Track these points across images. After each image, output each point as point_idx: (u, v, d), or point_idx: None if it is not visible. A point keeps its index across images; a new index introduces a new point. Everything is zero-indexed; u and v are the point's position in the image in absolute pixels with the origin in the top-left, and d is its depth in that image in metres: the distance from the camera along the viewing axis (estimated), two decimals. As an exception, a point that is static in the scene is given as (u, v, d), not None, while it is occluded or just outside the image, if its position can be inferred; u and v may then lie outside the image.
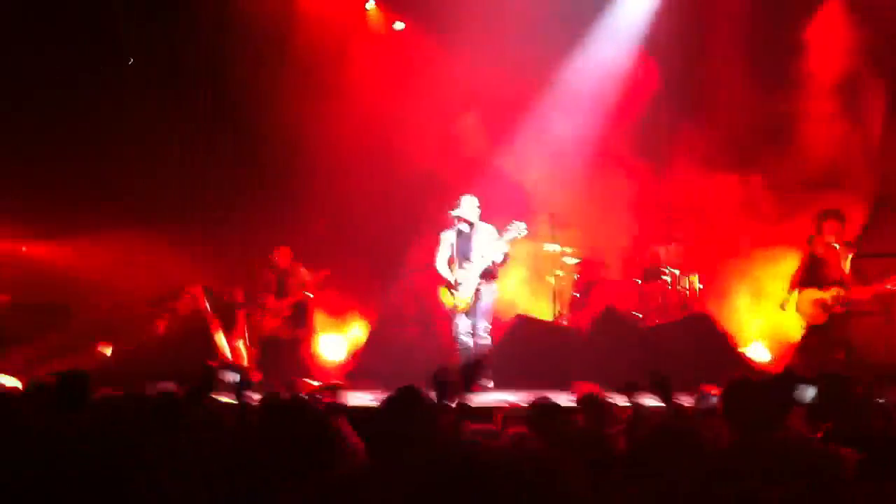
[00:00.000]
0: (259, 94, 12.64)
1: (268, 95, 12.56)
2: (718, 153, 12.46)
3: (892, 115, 11.81)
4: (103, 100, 12.28)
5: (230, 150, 12.87)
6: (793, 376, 4.82)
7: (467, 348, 9.58)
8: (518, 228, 9.43)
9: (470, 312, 9.59)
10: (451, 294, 9.61)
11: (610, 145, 12.85)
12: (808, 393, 4.53)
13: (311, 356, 11.20)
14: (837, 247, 9.11)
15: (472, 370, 8.70)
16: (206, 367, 6.16)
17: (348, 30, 13.37)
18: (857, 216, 10.76)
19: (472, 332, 9.62)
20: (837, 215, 9.29)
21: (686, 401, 6.15)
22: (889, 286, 9.15)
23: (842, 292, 9.00)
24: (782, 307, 9.44)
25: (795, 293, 9.22)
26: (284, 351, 11.06)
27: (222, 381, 5.99)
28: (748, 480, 3.26)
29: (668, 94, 12.83)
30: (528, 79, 12.63)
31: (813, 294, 9.09)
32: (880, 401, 5.19)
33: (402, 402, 3.76)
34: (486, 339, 9.58)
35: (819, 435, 4.24)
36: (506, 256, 9.52)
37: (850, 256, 9.09)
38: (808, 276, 9.15)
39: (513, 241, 9.47)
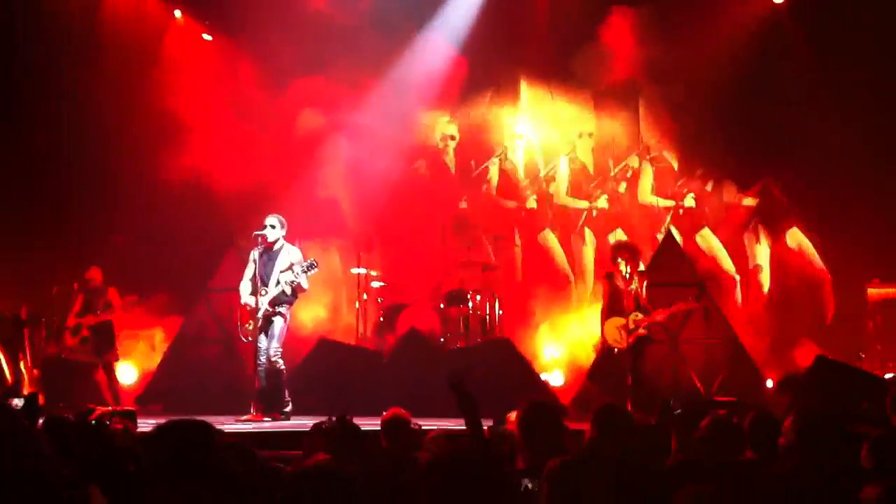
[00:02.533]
0: (55, 102, 11.96)
1: (66, 103, 11.92)
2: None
3: None
4: None
5: (27, 156, 12.00)
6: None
7: (262, 371, 9.33)
8: (309, 265, 9.28)
9: (261, 336, 9.32)
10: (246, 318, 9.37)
11: (414, 169, 13.06)
12: None
13: (111, 379, 10.65)
14: (629, 276, 9.55)
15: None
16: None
17: (156, 39, 12.91)
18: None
19: (266, 355, 9.36)
20: (630, 249, 9.77)
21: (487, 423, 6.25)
22: (681, 307, 9.78)
23: (640, 316, 9.47)
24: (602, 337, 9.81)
25: (607, 322, 9.61)
26: (79, 373, 10.50)
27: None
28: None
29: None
30: (341, 91, 12.60)
31: (617, 321, 9.50)
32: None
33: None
34: (279, 363, 9.36)
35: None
36: (298, 287, 9.33)
37: (645, 284, 9.58)
38: (612, 307, 9.56)
39: (307, 277, 9.34)
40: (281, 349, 9.35)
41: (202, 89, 12.65)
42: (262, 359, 9.30)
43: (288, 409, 9.26)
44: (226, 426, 7.95)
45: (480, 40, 12.81)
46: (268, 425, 8.89)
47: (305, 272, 9.26)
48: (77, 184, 12.17)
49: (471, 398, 4.98)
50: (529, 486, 4.29)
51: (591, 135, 13.18)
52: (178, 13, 13.15)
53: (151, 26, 12.95)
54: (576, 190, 13.20)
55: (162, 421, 3.61)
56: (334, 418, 5.43)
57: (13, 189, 11.82)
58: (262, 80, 12.61)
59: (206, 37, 13.16)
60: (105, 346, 10.62)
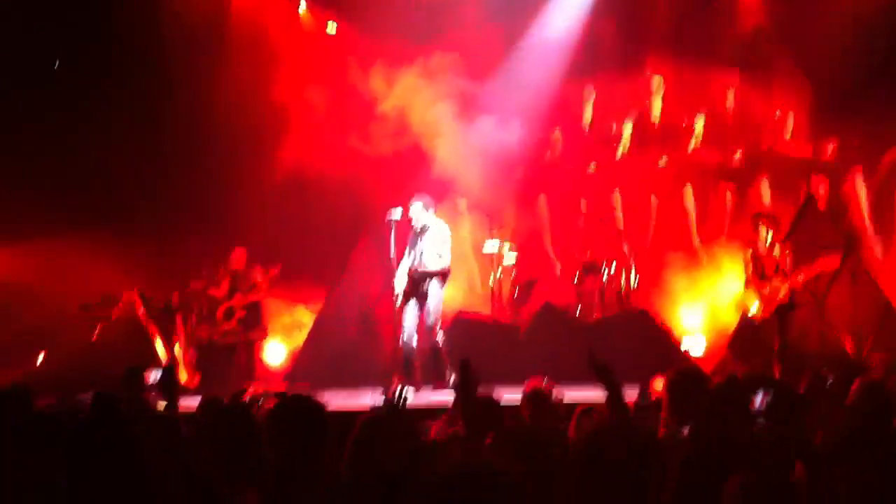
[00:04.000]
0: (195, 95, 12.42)
1: (204, 96, 12.36)
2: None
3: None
4: (31, 104, 11.94)
5: (167, 152, 12.57)
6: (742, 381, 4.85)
7: (410, 348, 9.54)
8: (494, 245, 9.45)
9: (413, 312, 9.55)
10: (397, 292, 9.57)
11: (550, 141, 12.95)
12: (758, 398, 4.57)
13: (257, 360, 11.10)
14: (770, 244, 9.30)
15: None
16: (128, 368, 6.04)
17: (282, 32, 13.22)
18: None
19: (416, 332, 9.58)
20: (769, 216, 9.52)
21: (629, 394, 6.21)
22: (823, 268, 9.46)
23: (783, 283, 9.22)
24: (741, 307, 9.61)
25: (748, 291, 9.41)
26: (231, 354, 10.95)
27: (148, 382, 5.88)
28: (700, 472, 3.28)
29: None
30: (470, 63, 12.62)
31: (759, 289, 9.28)
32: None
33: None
34: (440, 338, 9.56)
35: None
36: (446, 264, 9.49)
37: (787, 252, 9.32)
38: (754, 274, 9.35)
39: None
40: (439, 322, 9.56)
41: (325, 75, 12.87)
42: (407, 337, 9.52)
43: (452, 377, 9.44)
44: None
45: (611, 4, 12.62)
46: (434, 396, 9.08)
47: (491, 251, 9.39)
48: (212, 175, 12.60)
49: (611, 375, 4.97)
50: None
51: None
52: (302, 6, 13.39)
53: (277, 20, 13.23)
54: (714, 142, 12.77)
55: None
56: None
57: (157, 182, 12.37)
58: (384, 56, 12.67)
59: (331, 25, 13.35)
60: (254, 326, 11.04)
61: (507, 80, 12.72)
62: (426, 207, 9.61)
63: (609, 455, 2.86)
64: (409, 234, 9.59)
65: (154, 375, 5.55)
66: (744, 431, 4.08)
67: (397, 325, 9.57)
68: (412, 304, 9.57)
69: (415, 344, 9.55)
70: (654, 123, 13.01)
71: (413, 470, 3.48)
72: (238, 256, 11.13)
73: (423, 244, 9.52)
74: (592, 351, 4.80)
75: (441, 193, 11.62)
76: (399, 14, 12.27)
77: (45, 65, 12.46)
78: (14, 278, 11.33)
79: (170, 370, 5.37)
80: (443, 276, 9.56)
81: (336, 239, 12.46)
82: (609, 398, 5.20)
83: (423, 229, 9.55)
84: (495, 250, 11.90)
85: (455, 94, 12.59)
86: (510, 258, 12.07)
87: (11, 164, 11.74)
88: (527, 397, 5.66)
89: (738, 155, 12.56)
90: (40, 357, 10.46)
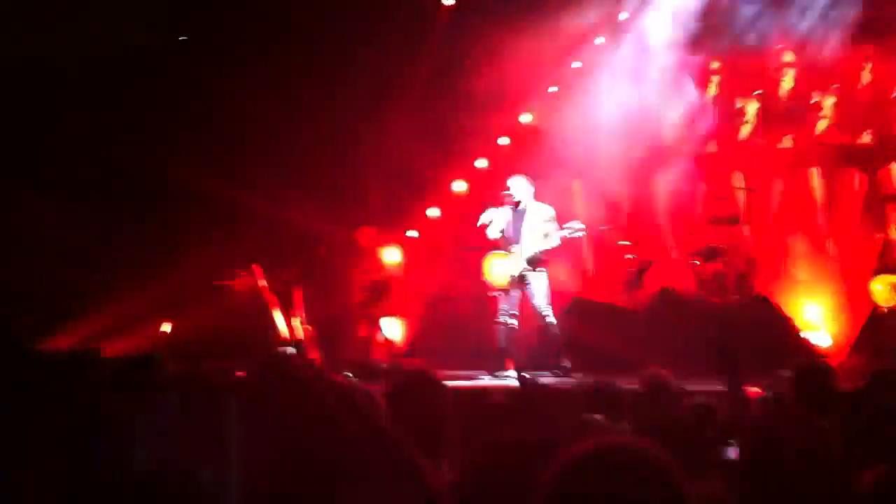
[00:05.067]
0: (318, 71, 12.51)
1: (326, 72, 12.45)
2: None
3: None
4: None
5: (290, 129, 12.71)
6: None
7: (508, 329, 9.51)
8: (573, 228, 9.35)
9: (512, 294, 9.51)
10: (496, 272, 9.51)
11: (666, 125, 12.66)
12: None
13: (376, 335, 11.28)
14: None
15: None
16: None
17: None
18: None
19: (514, 314, 9.55)
20: None
21: (751, 386, 6.07)
22: None
23: None
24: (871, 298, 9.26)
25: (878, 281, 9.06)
26: (354, 330, 11.16)
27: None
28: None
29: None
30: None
31: (888, 278, 8.93)
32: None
33: None
34: (551, 320, 9.52)
35: None
36: (556, 244, 9.41)
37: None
38: (884, 262, 8.99)
39: (566, 238, 9.38)
40: (550, 305, 9.51)
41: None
42: (505, 317, 9.49)
43: (567, 364, 9.41)
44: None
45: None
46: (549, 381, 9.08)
47: (571, 234, 9.32)
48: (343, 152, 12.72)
49: (735, 362, 4.86)
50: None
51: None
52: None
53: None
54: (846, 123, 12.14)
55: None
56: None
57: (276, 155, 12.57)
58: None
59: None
60: (382, 301, 11.22)
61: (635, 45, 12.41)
62: (528, 186, 9.54)
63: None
64: (513, 215, 9.51)
65: (289, 350, 5.71)
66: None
67: (511, 308, 9.55)
68: (520, 287, 9.52)
69: (516, 326, 9.49)
70: (781, 101, 12.51)
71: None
72: (364, 233, 11.27)
73: (528, 224, 9.45)
74: (722, 339, 4.71)
75: (552, 173, 11.57)
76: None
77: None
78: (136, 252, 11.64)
79: (301, 347, 5.52)
80: (539, 262, 9.46)
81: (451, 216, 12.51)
82: (731, 389, 5.09)
83: (526, 209, 9.49)
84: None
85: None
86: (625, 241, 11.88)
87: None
88: (646, 385, 5.59)
89: (867, 136, 11.97)
90: (167, 327, 10.82)
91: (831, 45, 11.93)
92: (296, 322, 10.75)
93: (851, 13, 11.70)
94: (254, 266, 11.11)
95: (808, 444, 2.76)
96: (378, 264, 11.22)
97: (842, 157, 12.05)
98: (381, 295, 11.20)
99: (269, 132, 12.40)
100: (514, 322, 9.59)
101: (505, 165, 12.32)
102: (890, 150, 11.76)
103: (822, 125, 12.13)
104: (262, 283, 10.93)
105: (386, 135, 12.35)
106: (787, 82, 12.40)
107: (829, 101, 12.08)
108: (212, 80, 11.76)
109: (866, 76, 12.03)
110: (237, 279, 11.12)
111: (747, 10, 12.25)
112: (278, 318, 10.52)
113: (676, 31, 12.20)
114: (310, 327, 10.67)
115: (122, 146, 11.47)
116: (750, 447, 2.96)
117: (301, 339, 10.28)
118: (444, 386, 3.84)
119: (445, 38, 12.35)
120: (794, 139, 12.23)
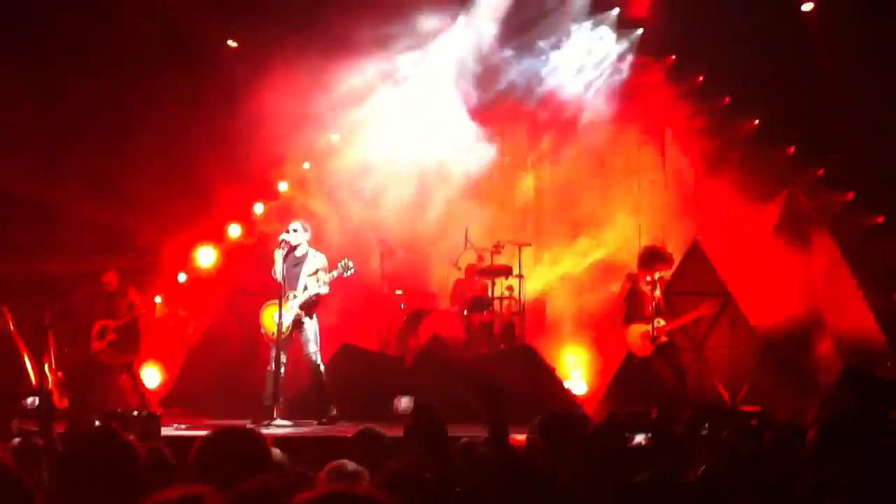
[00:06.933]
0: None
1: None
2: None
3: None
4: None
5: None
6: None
7: (277, 375, 9.32)
8: (345, 266, 9.34)
9: (286, 340, 9.35)
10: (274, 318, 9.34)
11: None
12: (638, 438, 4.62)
13: (135, 381, 10.74)
14: (654, 280, 9.47)
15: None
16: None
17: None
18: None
19: (284, 360, 9.39)
20: (666, 258, 9.68)
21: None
22: (703, 311, 9.64)
23: (662, 322, 9.40)
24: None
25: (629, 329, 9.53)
26: (105, 376, 10.67)
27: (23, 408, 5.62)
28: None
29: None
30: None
31: (639, 328, 9.43)
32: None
33: None
34: (320, 365, 9.42)
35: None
36: (326, 291, 9.39)
37: (662, 291, 9.53)
38: (633, 312, 9.50)
39: (338, 277, 9.36)
40: (319, 351, 9.41)
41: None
42: (281, 363, 9.32)
43: (334, 412, 9.28)
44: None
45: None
46: (311, 430, 8.91)
47: (342, 272, 9.30)
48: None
49: (499, 405, 4.93)
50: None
51: None
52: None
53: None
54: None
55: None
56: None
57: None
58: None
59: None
60: (129, 348, 10.70)
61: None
62: (305, 230, 9.48)
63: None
64: (286, 258, 9.39)
65: (32, 401, 5.33)
66: (623, 470, 4.11)
67: (279, 353, 9.36)
68: (292, 333, 9.39)
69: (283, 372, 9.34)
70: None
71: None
72: (110, 279, 10.76)
73: (305, 269, 9.36)
74: (487, 380, 4.78)
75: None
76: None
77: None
78: None
79: (47, 397, 5.15)
80: (313, 307, 9.41)
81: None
82: (492, 432, 5.15)
83: (304, 254, 9.42)
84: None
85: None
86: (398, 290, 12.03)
87: None
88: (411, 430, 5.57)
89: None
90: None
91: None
92: (46, 369, 10.07)
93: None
94: (3, 307, 10.35)
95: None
96: (124, 309, 10.69)
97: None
98: (133, 337, 10.70)
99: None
100: (283, 370, 9.39)
101: (282, 210, 12.24)
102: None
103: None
104: (11, 325, 10.19)
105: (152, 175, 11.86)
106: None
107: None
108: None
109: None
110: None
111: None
112: (27, 363, 9.84)
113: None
114: (60, 373, 10.01)
115: None
116: None
117: (47, 387, 9.62)
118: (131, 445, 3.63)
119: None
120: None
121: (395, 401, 9.72)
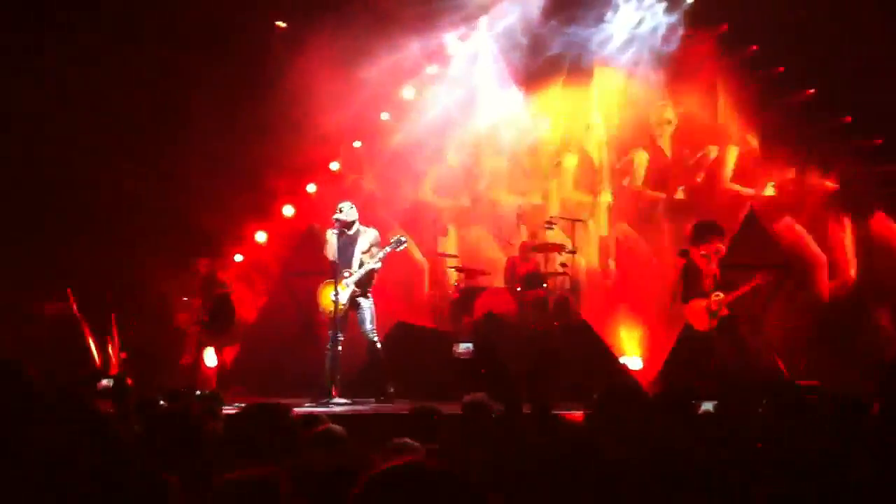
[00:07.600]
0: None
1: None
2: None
3: None
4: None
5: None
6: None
7: (335, 354, 9.43)
8: (398, 241, 9.41)
9: (342, 318, 9.44)
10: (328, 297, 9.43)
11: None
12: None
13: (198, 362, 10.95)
14: (710, 253, 9.41)
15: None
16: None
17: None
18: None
19: (341, 339, 9.48)
20: (720, 230, 9.61)
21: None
22: (761, 280, 9.56)
23: (721, 295, 9.33)
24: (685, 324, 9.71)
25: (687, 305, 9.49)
26: (169, 356, 10.84)
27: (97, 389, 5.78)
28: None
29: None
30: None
31: (699, 303, 9.37)
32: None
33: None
34: (378, 344, 9.52)
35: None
36: (379, 266, 9.45)
37: (719, 263, 9.48)
38: (691, 287, 9.44)
39: (390, 253, 9.43)
40: (376, 329, 9.52)
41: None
42: (338, 342, 9.42)
43: (391, 390, 9.39)
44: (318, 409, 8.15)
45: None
46: (370, 408, 9.03)
47: (395, 248, 9.39)
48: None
49: (542, 387, 4.97)
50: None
51: (669, 122, 13.02)
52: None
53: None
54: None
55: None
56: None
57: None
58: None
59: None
60: (223, 321, 10.92)
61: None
62: (352, 208, 9.56)
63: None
64: (339, 237, 9.47)
65: (105, 384, 5.49)
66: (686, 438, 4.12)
67: (336, 332, 9.45)
68: (348, 312, 9.48)
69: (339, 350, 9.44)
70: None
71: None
72: (201, 266, 11.00)
73: (358, 248, 9.44)
74: (533, 365, 4.82)
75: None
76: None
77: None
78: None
79: (121, 379, 5.31)
80: (369, 284, 9.49)
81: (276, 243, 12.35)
82: (534, 411, 5.17)
83: (356, 232, 9.50)
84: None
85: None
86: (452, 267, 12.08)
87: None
88: (466, 408, 5.64)
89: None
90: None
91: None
92: (109, 349, 10.32)
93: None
94: (67, 290, 10.60)
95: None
96: (211, 292, 10.89)
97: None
98: (220, 320, 10.89)
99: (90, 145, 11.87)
100: (340, 348, 9.49)
101: (333, 191, 12.34)
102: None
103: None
104: (75, 306, 10.44)
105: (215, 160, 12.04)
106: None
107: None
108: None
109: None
110: (49, 303, 10.56)
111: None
112: (91, 345, 10.09)
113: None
114: (124, 354, 10.26)
115: None
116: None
117: (118, 369, 9.85)
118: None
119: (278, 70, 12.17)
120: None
121: (454, 346, 9.87)
